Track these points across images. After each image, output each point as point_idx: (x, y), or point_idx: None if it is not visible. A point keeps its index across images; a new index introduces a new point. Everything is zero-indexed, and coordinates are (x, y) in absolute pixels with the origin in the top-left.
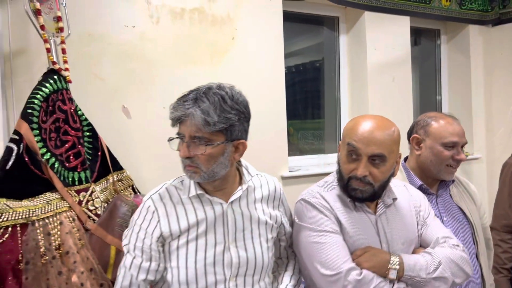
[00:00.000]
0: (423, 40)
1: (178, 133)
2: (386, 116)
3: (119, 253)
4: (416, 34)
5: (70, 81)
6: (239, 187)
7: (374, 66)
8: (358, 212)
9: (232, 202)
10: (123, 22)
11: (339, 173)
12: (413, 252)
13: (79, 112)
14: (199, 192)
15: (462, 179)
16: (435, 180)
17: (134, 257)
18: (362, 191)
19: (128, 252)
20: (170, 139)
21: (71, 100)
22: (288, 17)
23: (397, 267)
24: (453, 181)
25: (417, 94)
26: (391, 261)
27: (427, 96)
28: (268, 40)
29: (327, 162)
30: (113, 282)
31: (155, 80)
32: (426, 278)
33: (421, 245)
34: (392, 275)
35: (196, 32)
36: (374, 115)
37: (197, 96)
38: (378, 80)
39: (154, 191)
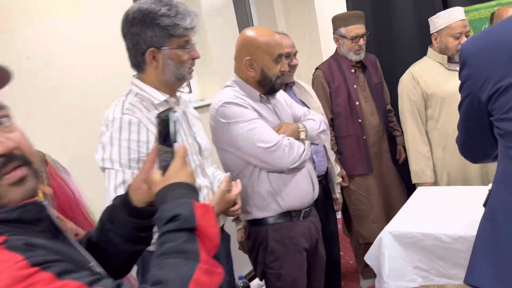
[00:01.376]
0: None
1: (187, 41)
2: None
3: None
4: None
5: None
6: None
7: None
8: (263, 104)
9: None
10: None
11: (266, 77)
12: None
13: None
14: (167, 98)
15: (301, 82)
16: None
17: (124, 173)
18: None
19: (115, 170)
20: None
21: None
22: None
23: (304, 129)
24: (293, 82)
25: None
26: (299, 127)
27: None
28: None
29: None
30: None
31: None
32: (317, 134)
33: (294, 120)
34: (302, 136)
35: None
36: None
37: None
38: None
39: (120, 107)
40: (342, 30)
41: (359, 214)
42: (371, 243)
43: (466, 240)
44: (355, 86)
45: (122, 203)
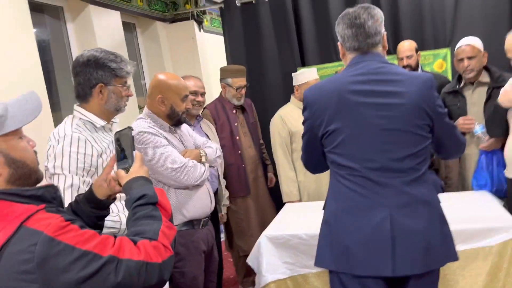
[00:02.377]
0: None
1: (126, 82)
2: None
3: None
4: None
5: None
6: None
7: None
8: (171, 133)
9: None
10: None
11: (174, 112)
12: None
13: None
14: (104, 124)
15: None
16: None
17: (72, 178)
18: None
19: (64, 175)
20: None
21: None
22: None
23: (204, 154)
24: (201, 118)
25: None
26: (201, 153)
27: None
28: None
29: None
30: None
31: None
32: (214, 158)
33: (195, 147)
34: (203, 159)
35: None
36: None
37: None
38: None
39: (69, 127)
40: (229, 80)
41: (240, 230)
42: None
43: None
44: (236, 124)
45: (86, 198)
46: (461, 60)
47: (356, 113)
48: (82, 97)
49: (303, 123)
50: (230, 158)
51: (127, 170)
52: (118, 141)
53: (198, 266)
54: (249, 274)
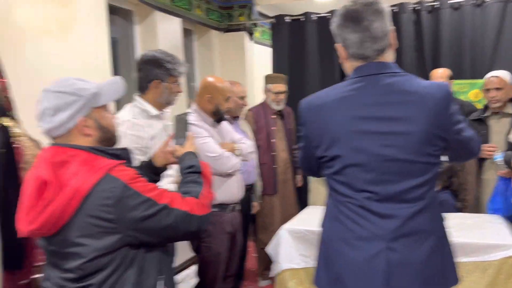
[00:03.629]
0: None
1: (177, 80)
2: None
3: None
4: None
5: None
6: None
7: None
8: (213, 127)
9: None
10: None
11: (218, 110)
12: None
13: None
14: (158, 113)
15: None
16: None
17: None
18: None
19: None
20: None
21: None
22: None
23: (239, 148)
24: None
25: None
26: (235, 147)
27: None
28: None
29: None
30: None
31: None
32: (247, 153)
33: (232, 142)
34: (237, 153)
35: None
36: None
37: None
38: None
39: (129, 113)
40: (270, 85)
41: (263, 224)
42: None
43: None
44: (273, 128)
45: (146, 165)
46: (488, 90)
47: (358, 142)
48: (141, 89)
49: (299, 136)
50: (263, 158)
51: (182, 145)
52: (176, 122)
53: (222, 244)
54: (268, 267)
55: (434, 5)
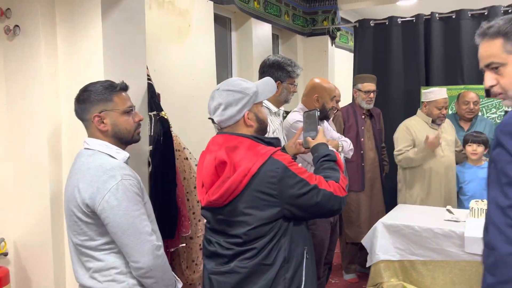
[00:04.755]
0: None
1: (294, 81)
2: None
3: None
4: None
5: None
6: None
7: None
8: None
9: None
10: None
11: (324, 108)
12: None
13: None
14: (277, 110)
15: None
16: None
17: None
18: None
19: None
20: None
21: None
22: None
23: (341, 145)
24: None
25: None
26: (338, 144)
27: None
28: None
29: None
30: None
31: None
32: (348, 150)
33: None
34: (340, 149)
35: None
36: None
37: None
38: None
39: None
40: (359, 85)
41: (349, 219)
42: (354, 243)
43: (431, 230)
44: (362, 128)
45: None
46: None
47: None
48: None
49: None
50: (352, 156)
51: (313, 137)
52: (306, 117)
53: (325, 232)
54: (352, 261)
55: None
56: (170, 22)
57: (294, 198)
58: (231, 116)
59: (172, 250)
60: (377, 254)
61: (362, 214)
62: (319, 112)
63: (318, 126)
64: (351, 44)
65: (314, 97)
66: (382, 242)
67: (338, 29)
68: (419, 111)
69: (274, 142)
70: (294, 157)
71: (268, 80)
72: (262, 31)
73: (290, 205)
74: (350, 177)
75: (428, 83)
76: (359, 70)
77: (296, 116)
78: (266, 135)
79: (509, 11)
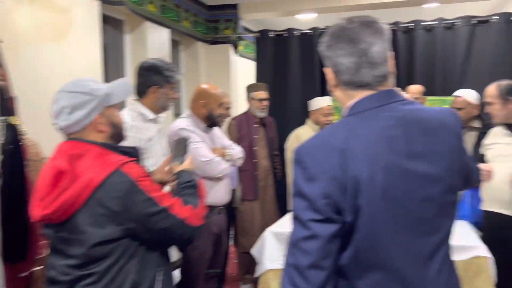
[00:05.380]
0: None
1: (174, 87)
2: None
3: None
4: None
5: None
6: None
7: None
8: (206, 132)
9: None
10: None
11: (211, 115)
12: None
13: None
14: (154, 117)
15: None
16: None
17: None
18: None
19: None
20: None
21: None
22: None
23: (229, 154)
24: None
25: None
26: (226, 152)
27: None
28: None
29: None
30: None
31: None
32: (236, 158)
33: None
34: (227, 158)
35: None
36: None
37: None
38: None
39: (128, 116)
40: (252, 94)
41: (243, 229)
42: (250, 253)
43: None
44: (256, 136)
45: None
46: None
47: None
48: (140, 93)
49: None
50: (245, 165)
51: (181, 164)
52: (176, 144)
53: (207, 244)
54: (249, 271)
55: (408, 26)
56: (44, 20)
57: (139, 218)
58: (78, 120)
59: (24, 274)
60: (264, 263)
61: (256, 223)
62: (187, 142)
63: (186, 154)
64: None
65: (200, 103)
66: (270, 251)
67: (240, 39)
68: (308, 120)
69: (130, 152)
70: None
71: (124, 81)
72: (159, 36)
73: (134, 224)
74: (244, 186)
75: (324, 94)
76: (260, 79)
77: (182, 123)
78: (139, 144)
79: (392, 28)
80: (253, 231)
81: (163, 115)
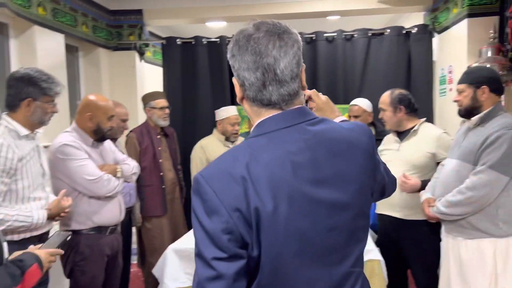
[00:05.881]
0: (68, 55)
1: (53, 100)
2: None
3: None
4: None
5: None
6: None
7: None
8: (93, 148)
9: None
10: None
11: (99, 129)
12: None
13: None
14: (28, 133)
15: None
16: None
17: None
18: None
19: None
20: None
21: None
22: None
23: (120, 170)
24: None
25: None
26: (117, 168)
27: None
28: None
29: None
30: None
31: None
32: (130, 174)
33: (115, 162)
34: (119, 174)
35: None
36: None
37: None
38: None
39: None
40: (152, 103)
41: (153, 247)
42: None
43: None
44: (159, 148)
45: None
46: (350, 116)
47: None
48: (11, 107)
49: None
50: (151, 179)
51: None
52: (56, 235)
53: (98, 267)
54: None
55: (312, 37)
56: None
57: None
58: None
59: None
60: (165, 283)
61: (166, 239)
62: (69, 237)
63: (58, 247)
64: None
65: (86, 115)
66: (172, 269)
67: (146, 45)
68: (214, 130)
69: None
70: None
71: None
72: (51, 41)
73: None
74: (150, 202)
75: (233, 103)
76: (168, 87)
77: (64, 138)
78: (9, 165)
79: (313, 37)
80: (163, 249)
81: (40, 131)
